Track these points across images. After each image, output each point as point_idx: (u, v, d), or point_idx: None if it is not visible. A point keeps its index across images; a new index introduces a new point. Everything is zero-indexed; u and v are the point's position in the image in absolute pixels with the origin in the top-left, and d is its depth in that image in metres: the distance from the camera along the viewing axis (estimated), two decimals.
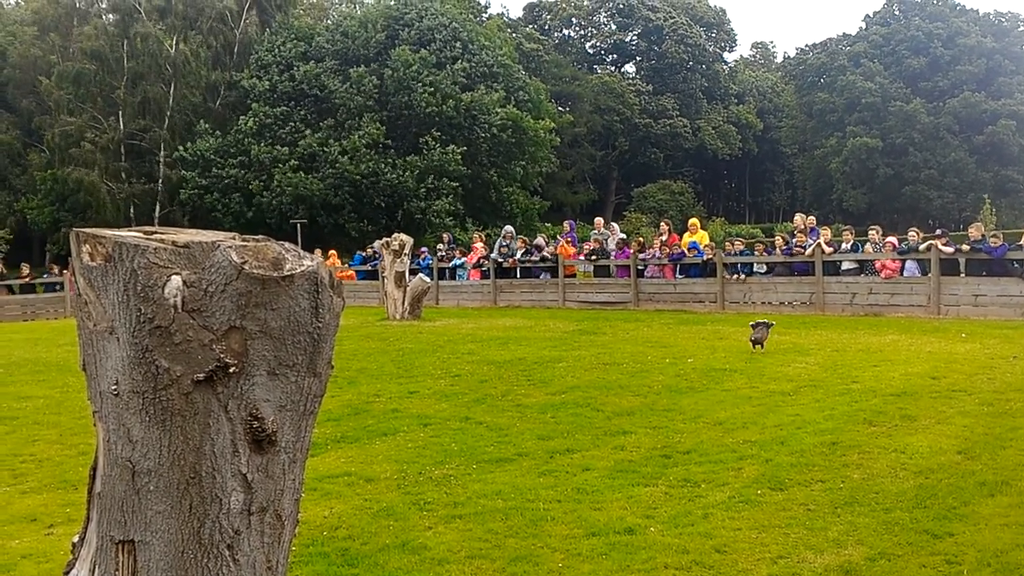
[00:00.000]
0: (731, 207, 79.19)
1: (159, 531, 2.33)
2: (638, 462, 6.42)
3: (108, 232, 2.31)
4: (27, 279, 27.67)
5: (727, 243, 19.92)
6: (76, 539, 2.57)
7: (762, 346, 11.35)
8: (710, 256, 18.89)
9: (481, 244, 24.74)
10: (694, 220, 22.14)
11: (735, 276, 18.34)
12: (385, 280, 19.62)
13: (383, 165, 43.99)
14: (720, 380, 9.51)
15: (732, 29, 78.36)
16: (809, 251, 17.34)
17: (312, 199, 43.41)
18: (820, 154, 66.56)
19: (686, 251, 19.35)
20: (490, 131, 46.00)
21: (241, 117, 45.27)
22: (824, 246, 17.20)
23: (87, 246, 2.29)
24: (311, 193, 43.17)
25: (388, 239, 19.63)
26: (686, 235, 20.43)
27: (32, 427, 8.62)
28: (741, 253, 19.00)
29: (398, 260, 18.83)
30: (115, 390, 2.30)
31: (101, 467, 2.43)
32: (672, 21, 70.43)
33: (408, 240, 19.62)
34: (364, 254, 26.90)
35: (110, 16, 49.10)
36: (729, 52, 79.76)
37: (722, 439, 6.97)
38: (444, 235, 28.33)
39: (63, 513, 5.76)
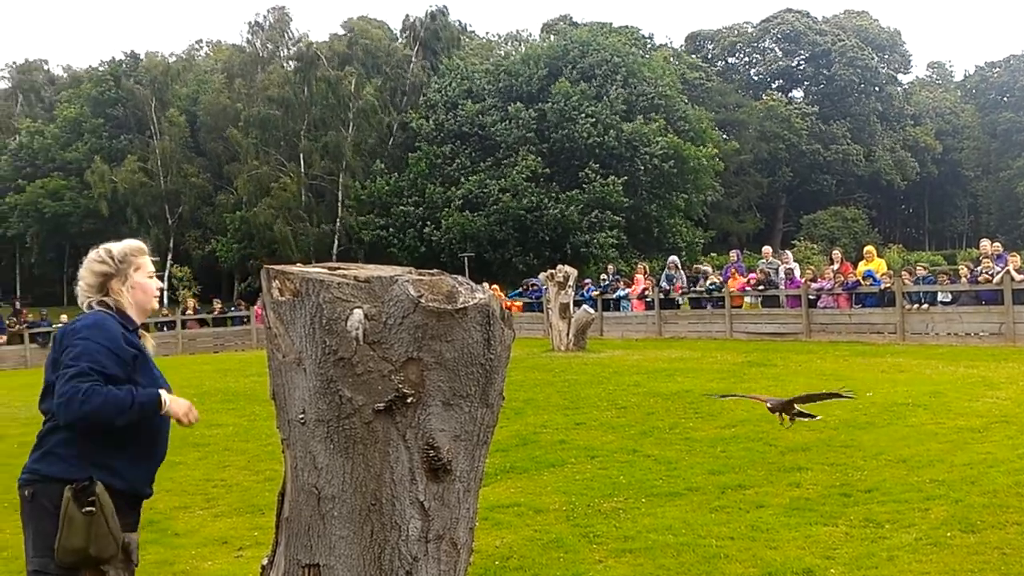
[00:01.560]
0: (909, 233, 75.34)
1: (342, 556, 2.42)
2: (815, 500, 6.16)
3: (295, 268, 2.45)
4: (217, 312, 29.54)
5: (906, 271, 18.93)
6: (265, 561, 2.70)
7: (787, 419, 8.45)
8: (888, 285, 17.99)
9: (643, 275, 24.55)
10: (870, 248, 21.18)
11: (916, 305, 17.39)
12: (550, 311, 19.75)
13: (546, 200, 44.51)
14: (902, 415, 9.02)
15: (907, 50, 75.11)
16: (997, 278, 16.24)
17: (478, 236, 44.43)
18: (1006, 176, 62.44)
19: (861, 280, 18.53)
20: (651, 161, 45.76)
21: (411, 155, 47.01)
22: (1014, 273, 16.06)
23: (276, 282, 2.43)
24: (476, 231, 44.19)
25: (553, 271, 19.79)
26: (861, 263, 19.57)
27: (223, 453, 9.12)
28: (923, 281, 17.99)
29: (562, 292, 18.93)
30: (302, 419, 2.41)
31: (289, 493, 2.54)
32: (841, 44, 68.11)
33: (572, 272, 19.71)
34: (521, 289, 27.39)
35: (292, 63, 52.09)
36: (904, 74, 76.40)
37: (906, 477, 6.59)
38: (608, 266, 28.26)
39: (251, 537, 6.05)
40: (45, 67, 65.48)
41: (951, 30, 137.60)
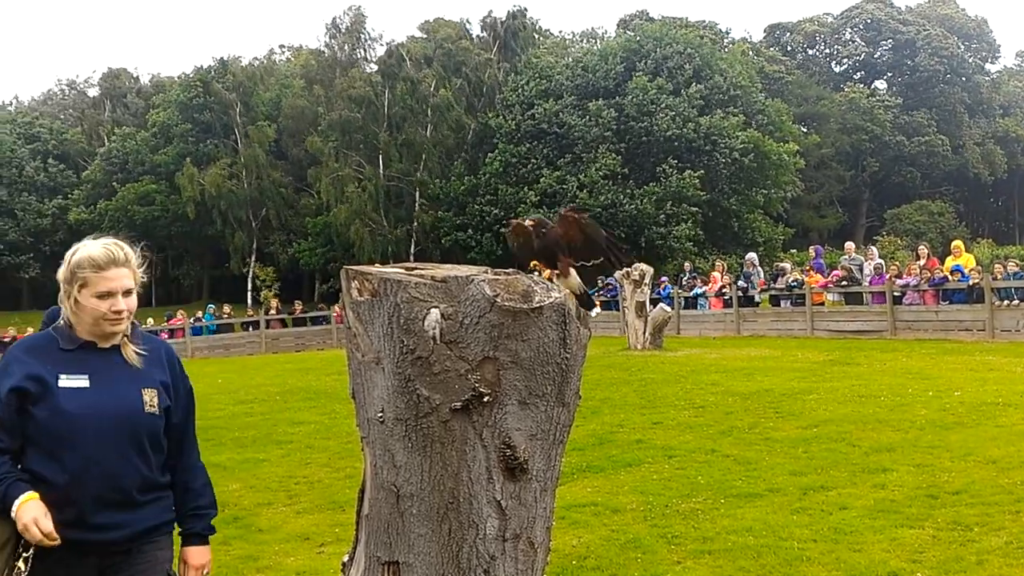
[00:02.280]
0: (998, 227, 72.66)
1: (421, 554, 2.45)
2: (901, 502, 6.00)
3: (374, 269, 2.48)
4: (298, 313, 30.19)
5: (996, 265, 18.29)
6: (346, 559, 2.74)
7: None
8: (977, 280, 17.42)
9: (720, 273, 24.23)
10: (957, 242, 20.55)
11: (1006, 302, 16.81)
12: (626, 310, 19.63)
13: (621, 196, 44.26)
14: (992, 415, 8.72)
15: (994, 39, 72.52)
16: None
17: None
18: None
19: (948, 275, 17.97)
20: (731, 155, 45.11)
21: (488, 155, 47.22)
22: None
23: (355, 282, 2.47)
24: None
25: (628, 269, 19.67)
26: (948, 258, 19.00)
27: (304, 451, 9.31)
28: (1014, 276, 17.35)
29: (639, 290, 18.81)
30: (381, 417, 2.44)
31: (368, 490, 2.58)
32: (926, 33, 66.10)
33: (648, 270, 19.57)
34: (598, 286, 27.25)
35: (372, 66, 52.85)
36: (991, 63, 73.73)
37: (996, 479, 6.38)
38: (685, 264, 27.96)
39: (332, 533, 6.16)
40: (133, 74, 67.52)
41: None
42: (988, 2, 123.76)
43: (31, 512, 2.58)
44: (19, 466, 2.71)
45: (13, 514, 2.60)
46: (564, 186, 44.66)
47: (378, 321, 2.40)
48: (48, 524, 2.57)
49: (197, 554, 2.96)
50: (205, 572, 3.00)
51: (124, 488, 2.76)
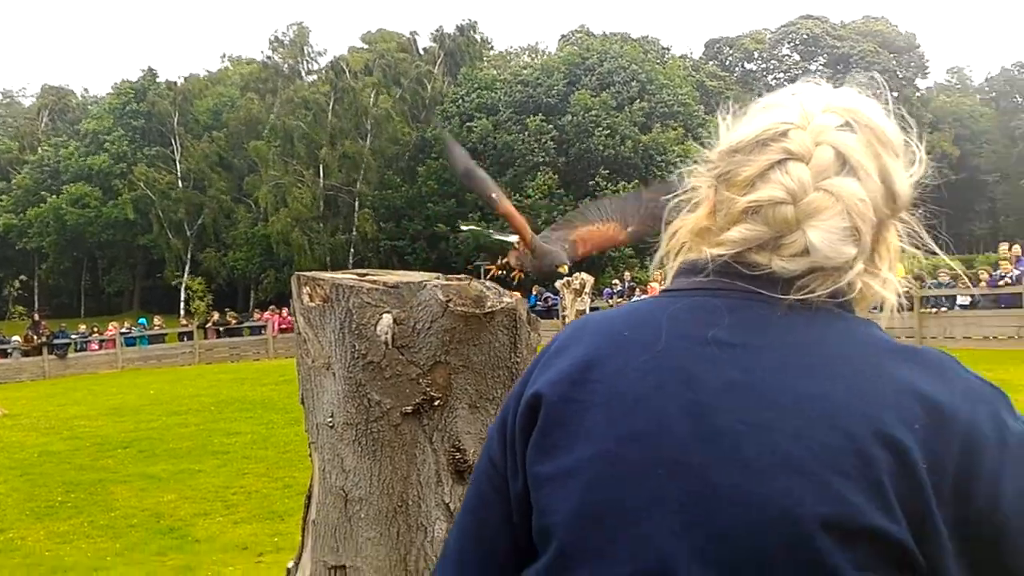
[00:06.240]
0: (931, 237, 74.89)
1: (369, 557, 2.45)
2: None
3: (326, 275, 2.49)
4: (234, 324, 29.72)
5: (921, 275, 18.84)
6: (291, 565, 2.73)
7: None
8: (907, 289, 17.92)
9: (659, 283, 24.53)
10: None
11: (934, 310, 17.33)
12: (565, 318, 19.77)
13: (556, 213, 44.61)
14: None
15: (923, 54, 74.84)
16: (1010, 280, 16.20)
17: (493, 247, 44.59)
18: None
19: None
20: (666, 169, 45.77)
21: (420, 168, 47.31)
22: None
23: (307, 288, 2.47)
24: (492, 243, 44.40)
25: (569, 278, 19.81)
26: None
27: (241, 461, 9.20)
28: (942, 285, 17.93)
29: (578, 299, 18.95)
30: (330, 422, 2.45)
31: (316, 496, 2.58)
32: (860, 49, 67.97)
33: (589, 279, 19.74)
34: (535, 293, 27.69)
35: (314, 76, 52.59)
36: (922, 79, 76.07)
37: None
38: (626, 273, 28.25)
39: (272, 542, 6.11)
40: (70, 87, 66.40)
41: (970, 36, 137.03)
42: (919, 20, 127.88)
43: None
44: None
45: None
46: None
47: (329, 326, 2.41)
48: None
49: None
50: None
51: None
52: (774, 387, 0.89)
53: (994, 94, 72.04)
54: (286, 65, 53.31)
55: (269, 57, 54.04)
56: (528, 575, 1.03)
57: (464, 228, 40.57)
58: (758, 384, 0.89)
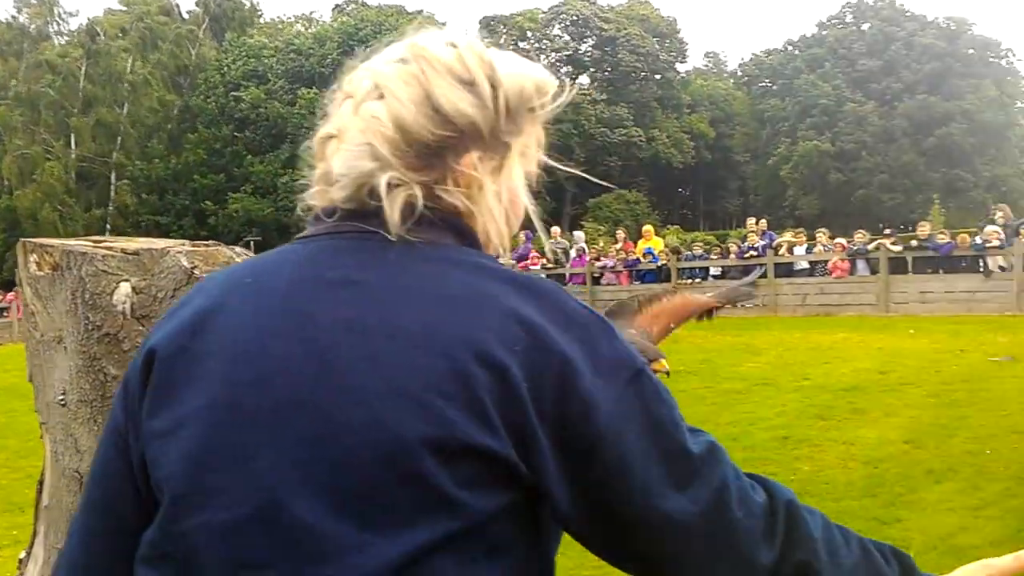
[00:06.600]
0: (686, 215, 79.76)
1: None
2: None
3: (56, 241, 2.32)
4: None
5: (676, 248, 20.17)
6: (23, 555, 2.56)
7: None
8: (665, 261, 19.11)
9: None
10: (648, 227, 22.39)
11: (690, 280, 18.56)
12: None
13: None
14: (676, 381, 9.57)
15: (683, 39, 79.30)
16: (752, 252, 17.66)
17: (265, 222, 43.34)
18: (772, 161, 67.51)
19: (641, 257, 19.55)
20: None
21: (188, 136, 45.07)
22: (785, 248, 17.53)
23: (34, 256, 2.30)
24: (264, 217, 43.15)
25: None
26: (640, 242, 20.65)
27: None
28: (698, 257, 19.25)
29: None
30: (62, 400, 2.30)
31: (48, 479, 2.42)
32: (625, 32, 71.09)
33: None
34: None
35: (65, 39, 48.79)
36: (681, 63, 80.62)
37: None
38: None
39: (10, 536, 5.71)
40: None
41: (725, 22, 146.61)
42: (679, 4, 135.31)
43: None
44: None
45: None
46: (278, 179, 43.56)
47: (59, 297, 2.26)
48: None
49: None
50: None
51: None
52: (385, 320, 0.93)
53: (746, 78, 77.59)
54: (33, 26, 49.24)
55: (14, 17, 49.96)
56: (147, 535, 0.99)
57: None
58: (370, 319, 0.94)
